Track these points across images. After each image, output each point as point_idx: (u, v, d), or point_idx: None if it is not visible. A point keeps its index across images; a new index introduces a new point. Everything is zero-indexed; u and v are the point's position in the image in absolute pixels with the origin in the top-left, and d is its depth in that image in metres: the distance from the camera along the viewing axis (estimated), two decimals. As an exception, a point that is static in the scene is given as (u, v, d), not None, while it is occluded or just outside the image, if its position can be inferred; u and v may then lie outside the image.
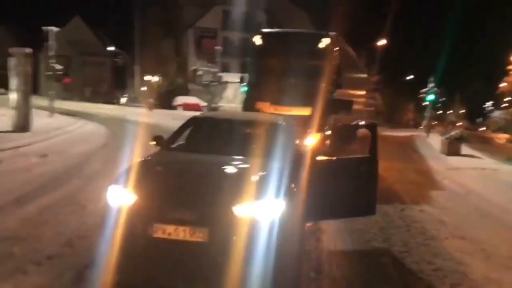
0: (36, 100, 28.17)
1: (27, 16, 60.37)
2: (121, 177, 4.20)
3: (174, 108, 38.46)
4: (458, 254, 4.97)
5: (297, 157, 5.35)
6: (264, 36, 12.96)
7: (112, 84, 58.13)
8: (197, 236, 3.76)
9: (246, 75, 13.00)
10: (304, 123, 11.90)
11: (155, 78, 44.81)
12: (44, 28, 23.83)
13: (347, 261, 4.68)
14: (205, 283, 3.82)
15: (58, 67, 23.87)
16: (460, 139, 15.76)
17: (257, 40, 12.91)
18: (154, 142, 5.38)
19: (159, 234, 3.79)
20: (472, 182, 9.87)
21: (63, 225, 5.12)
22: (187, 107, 36.50)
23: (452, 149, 14.99)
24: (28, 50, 14.32)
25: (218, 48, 31.79)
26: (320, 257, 4.74)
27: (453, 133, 16.92)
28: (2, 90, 50.30)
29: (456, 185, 9.70)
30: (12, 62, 13.93)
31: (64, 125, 17.60)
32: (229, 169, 4.50)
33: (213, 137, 5.66)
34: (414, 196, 8.16)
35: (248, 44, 13.35)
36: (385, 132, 30.97)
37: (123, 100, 52.82)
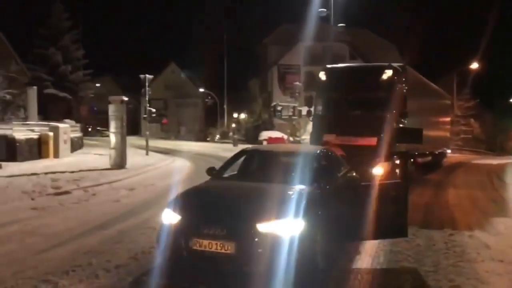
0: (137, 140, 31.35)
1: (130, 66, 67.22)
2: (171, 202, 5.18)
3: (260, 142, 40.07)
4: (486, 275, 5.12)
5: (334, 182, 5.90)
6: (328, 71, 13.67)
7: (204, 123, 61.87)
8: (226, 248, 4.54)
9: (312, 109, 13.75)
10: (370, 153, 12.30)
11: (242, 115, 47.05)
12: (141, 75, 26.77)
13: (368, 276, 5.10)
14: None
15: (153, 110, 26.50)
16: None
17: (322, 75, 13.66)
18: (207, 173, 6.36)
19: (197, 247, 4.63)
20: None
21: (133, 243, 6.19)
22: (271, 140, 37.78)
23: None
24: (123, 98, 16.42)
25: (297, 83, 32.91)
26: (345, 273, 5.19)
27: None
28: (108, 133, 56.41)
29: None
30: (110, 108, 16.14)
31: (155, 162, 19.57)
32: (260, 193, 5.25)
33: (256, 167, 6.47)
34: (471, 222, 8.13)
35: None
36: (480, 160, 29.36)
37: (217, 137, 56.12)
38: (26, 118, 25.60)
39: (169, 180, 13.86)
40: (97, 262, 5.31)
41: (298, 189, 5.24)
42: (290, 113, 30.66)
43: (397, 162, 12.95)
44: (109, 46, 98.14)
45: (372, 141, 12.40)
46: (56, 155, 20.46)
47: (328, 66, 14.52)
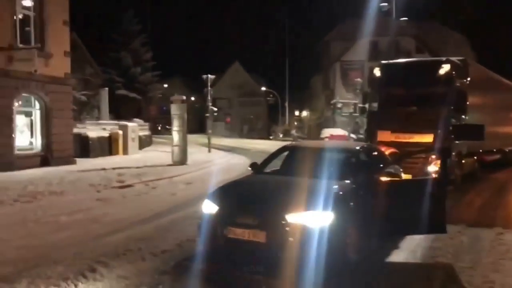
0: (201, 138, 32.44)
1: (197, 67, 69.57)
2: (211, 194, 5.57)
3: (321, 139, 39.91)
4: (525, 273, 5.00)
5: (371, 177, 5.99)
6: (383, 67, 13.49)
7: (267, 121, 62.57)
8: (258, 237, 4.84)
9: (367, 105, 13.65)
10: (426, 150, 12.01)
11: (304, 113, 47.05)
12: (204, 76, 27.79)
13: (399, 270, 5.16)
14: (265, 274, 4.81)
15: (215, 109, 27.40)
16: None
17: (377, 71, 13.51)
18: (250, 168, 6.71)
19: (231, 235, 4.98)
20: None
21: (181, 232, 6.68)
22: (332, 138, 37.44)
23: None
24: (183, 97, 17.25)
25: (358, 80, 32.38)
26: (376, 266, 5.29)
27: None
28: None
29: None
30: (172, 107, 17.03)
31: (215, 158, 20.31)
32: (293, 187, 5.49)
33: (296, 162, 6.70)
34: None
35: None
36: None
37: (280, 135, 56.66)
38: (99, 118, 27.53)
39: (227, 175, 14.34)
40: (146, 247, 5.83)
41: (331, 183, 5.41)
42: (351, 110, 30.26)
43: (456, 160, 12.59)
44: (177, 48, 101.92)
45: (428, 137, 12.11)
46: (125, 152, 21.90)
47: (383, 61, 14.32)
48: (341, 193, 5.26)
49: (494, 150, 17.47)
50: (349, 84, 43.98)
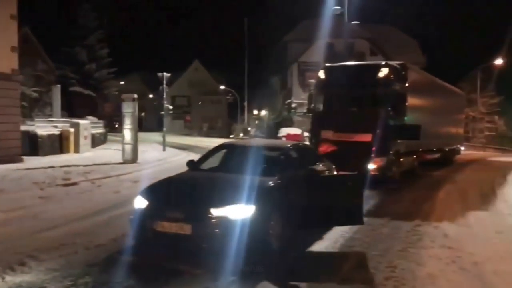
0: (159, 137, 32.27)
1: (156, 65, 69.04)
2: (143, 190, 5.84)
3: (279, 139, 40.59)
4: (427, 259, 5.56)
5: (298, 173, 6.41)
6: (327, 70, 14.11)
7: (227, 120, 62.81)
8: (184, 230, 5.16)
9: (312, 106, 14.21)
10: (365, 149, 12.68)
11: (262, 112, 47.62)
12: (159, 74, 27.71)
13: (316, 259, 5.62)
14: (192, 264, 5.12)
15: (170, 107, 27.44)
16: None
17: (321, 73, 14.11)
18: (186, 165, 7.01)
19: (160, 228, 5.27)
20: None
21: (118, 228, 6.84)
22: (289, 137, 38.18)
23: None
24: (135, 95, 17.24)
25: (312, 81, 33.17)
26: (298, 255, 5.73)
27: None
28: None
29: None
30: (123, 106, 17.02)
31: (168, 156, 20.40)
32: (221, 182, 5.85)
33: (230, 159, 7.08)
34: (446, 215, 8.45)
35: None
36: (497, 157, 28.91)
37: (241, 134, 56.98)
38: (52, 115, 26.94)
39: (175, 173, 14.59)
40: (80, 242, 6.02)
41: (256, 179, 5.80)
42: (305, 110, 30.97)
43: (394, 158, 13.34)
44: (136, 45, 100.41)
45: (367, 137, 12.78)
46: (77, 150, 21.58)
47: (328, 64, 14.93)
48: (265, 187, 5.66)
49: (434, 149, 18.53)
50: (305, 85, 44.87)
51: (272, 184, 5.85)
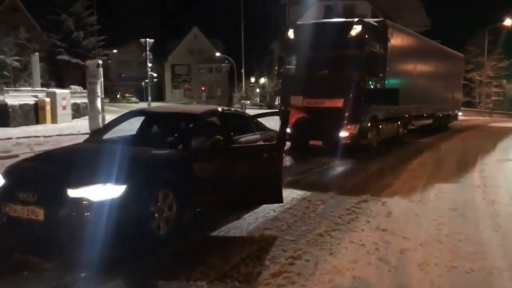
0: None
1: (155, 33, 67.22)
2: (6, 167, 4.88)
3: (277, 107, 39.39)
4: (348, 245, 4.57)
5: (204, 144, 5.36)
6: (296, 28, 12.83)
7: (228, 88, 61.46)
8: (36, 214, 4.21)
9: (281, 70, 12.98)
10: (337, 115, 11.57)
11: (262, 80, 46.23)
12: (142, 40, 26.51)
13: (208, 245, 4.65)
14: (43, 256, 4.20)
15: (154, 75, 26.38)
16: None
17: (290, 33, 12.82)
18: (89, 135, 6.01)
19: (12, 213, 4.35)
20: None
21: None
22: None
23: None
24: (99, 61, 16.16)
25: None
26: (188, 241, 4.78)
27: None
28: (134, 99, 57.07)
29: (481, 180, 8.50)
30: (88, 72, 15.99)
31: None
32: (92, 157, 4.88)
33: (138, 129, 6.06)
34: (404, 188, 7.44)
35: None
36: (499, 123, 27.47)
37: (242, 102, 55.68)
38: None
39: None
40: None
41: (145, 152, 4.83)
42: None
43: (369, 124, 12.20)
44: (135, 12, 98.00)
45: (339, 102, 11.64)
46: (54, 120, 20.80)
47: (297, 23, 13.61)
48: (149, 162, 4.68)
49: (425, 115, 17.27)
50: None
51: (163, 158, 4.85)
